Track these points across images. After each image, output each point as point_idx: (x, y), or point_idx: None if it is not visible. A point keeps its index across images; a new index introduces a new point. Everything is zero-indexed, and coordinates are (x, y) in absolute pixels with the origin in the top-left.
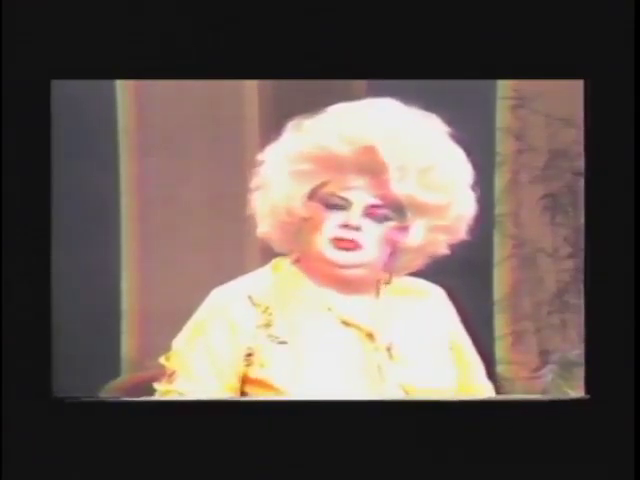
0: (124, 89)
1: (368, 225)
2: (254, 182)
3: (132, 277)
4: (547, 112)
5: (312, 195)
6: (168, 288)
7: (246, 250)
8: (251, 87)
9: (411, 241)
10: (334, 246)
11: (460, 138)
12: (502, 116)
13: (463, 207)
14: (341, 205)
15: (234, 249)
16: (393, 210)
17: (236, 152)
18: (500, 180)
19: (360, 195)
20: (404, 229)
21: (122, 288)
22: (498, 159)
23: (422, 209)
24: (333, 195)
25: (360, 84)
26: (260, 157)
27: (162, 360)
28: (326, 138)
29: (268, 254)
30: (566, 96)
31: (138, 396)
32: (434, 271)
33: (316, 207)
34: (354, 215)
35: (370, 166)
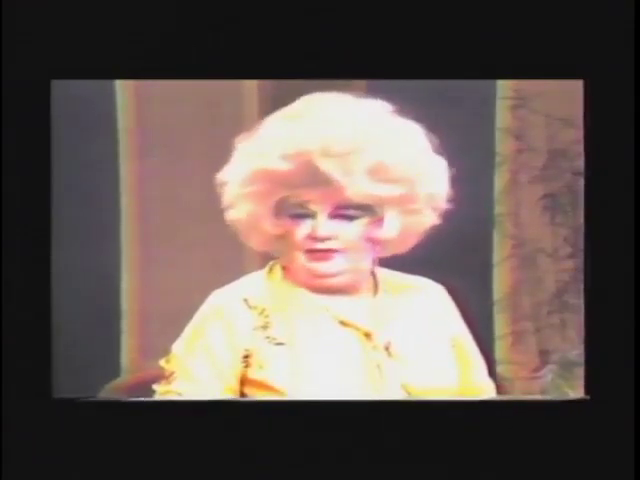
0: (124, 89)
1: (339, 228)
2: (224, 201)
3: (132, 277)
4: (547, 112)
5: (277, 212)
6: (168, 288)
7: (246, 250)
8: (251, 87)
9: (387, 233)
10: (310, 259)
11: (411, 114)
12: (502, 116)
13: (431, 184)
14: (306, 214)
15: (234, 249)
16: (359, 208)
17: None
18: (500, 180)
19: (320, 205)
20: (378, 222)
21: (122, 288)
22: (498, 159)
23: (387, 201)
24: (295, 206)
25: (360, 84)
26: (221, 178)
27: (162, 363)
28: (267, 160)
29: (267, 255)
30: (566, 96)
31: (138, 396)
32: (434, 271)
33: (284, 223)
34: (320, 224)
35: (318, 178)
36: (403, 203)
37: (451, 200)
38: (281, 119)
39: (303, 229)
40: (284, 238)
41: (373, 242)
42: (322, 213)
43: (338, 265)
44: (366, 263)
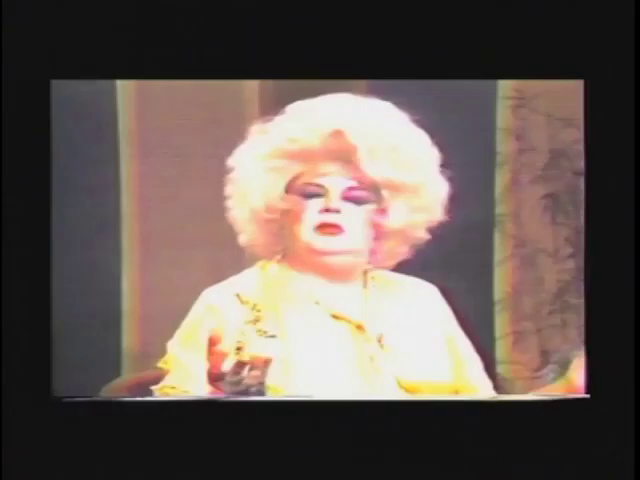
0: (124, 89)
1: (348, 208)
2: (228, 189)
3: (132, 277)
4: (547, 112)
5: (289, 189)
6: (168, 288)
7: (246, 250)
8: (251, 87)
9: (392, 222)
10: (318, 233)
11: (422, 123)
12: (502, 116)
13: (436, 187)
14: (318, 192)
15: (234, 249)
16: (369, 191)
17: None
18: (501, 180)
19: (335, 180)
20: (384, 211)
21: (122, 288)
22: (498, 159)
23: (397, 188)
24: (308, 184)
25: (360, 84)
26: (230, 163)
27: (160, 364)
28: (295, 131)
29: (267, 255)
30: (566, 96)
31: (138, 396)
32: (435, 271)
33: (294, 199)
34: (332, 199)
35: (340, 150)
36: (409, 195)
37: (452, 200)
38: (306, 103)
39: (315, 204)
40: (289, 215)
41: (376, 231)
42: (334, 190)
43: (343, 243)
44: (365, 251)
